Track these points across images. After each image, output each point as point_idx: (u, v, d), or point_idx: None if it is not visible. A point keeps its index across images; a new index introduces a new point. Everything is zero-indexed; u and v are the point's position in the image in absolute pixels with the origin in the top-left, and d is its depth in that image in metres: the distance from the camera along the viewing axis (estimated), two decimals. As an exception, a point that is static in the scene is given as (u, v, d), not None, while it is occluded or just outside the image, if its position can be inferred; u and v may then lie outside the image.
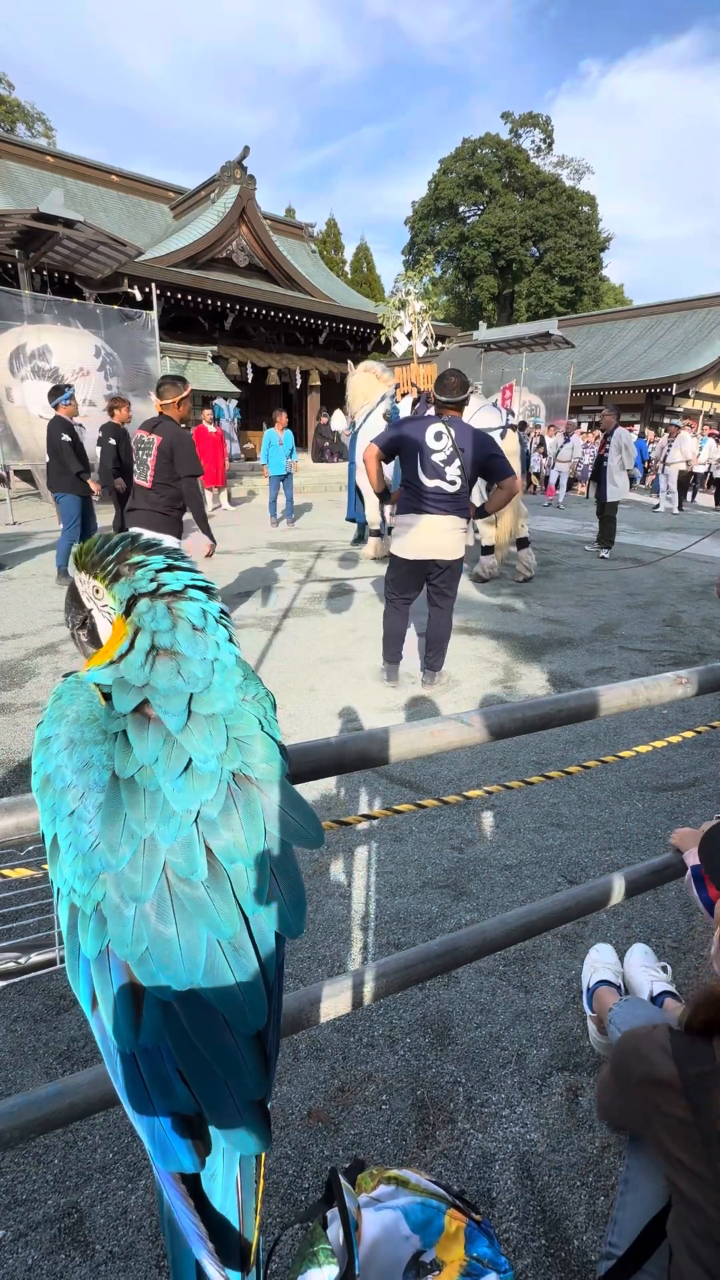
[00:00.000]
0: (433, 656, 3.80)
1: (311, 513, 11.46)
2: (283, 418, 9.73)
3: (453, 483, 3.40)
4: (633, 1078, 0.89)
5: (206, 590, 0.74)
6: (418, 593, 3.74)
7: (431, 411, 6.33)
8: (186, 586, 0.72)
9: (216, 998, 0.58)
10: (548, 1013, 1.67)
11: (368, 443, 3.61)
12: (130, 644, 0.67)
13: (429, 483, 3.40)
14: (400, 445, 3.44)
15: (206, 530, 3.92)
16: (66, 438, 5.88)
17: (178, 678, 0.65)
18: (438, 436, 3.37)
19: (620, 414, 9.66)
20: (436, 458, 3.37)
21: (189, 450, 3.76)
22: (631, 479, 8.35)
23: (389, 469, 6.16)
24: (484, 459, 3.41)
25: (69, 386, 6.17)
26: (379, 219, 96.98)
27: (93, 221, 11.07)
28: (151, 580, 0.70)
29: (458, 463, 3.37)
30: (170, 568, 0.72)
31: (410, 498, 3.47)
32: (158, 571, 0.71)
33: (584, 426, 18.27)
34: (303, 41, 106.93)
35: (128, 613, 0.69)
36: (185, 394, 3.82)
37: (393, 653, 3.85)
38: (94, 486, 6.05)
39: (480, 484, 6.21)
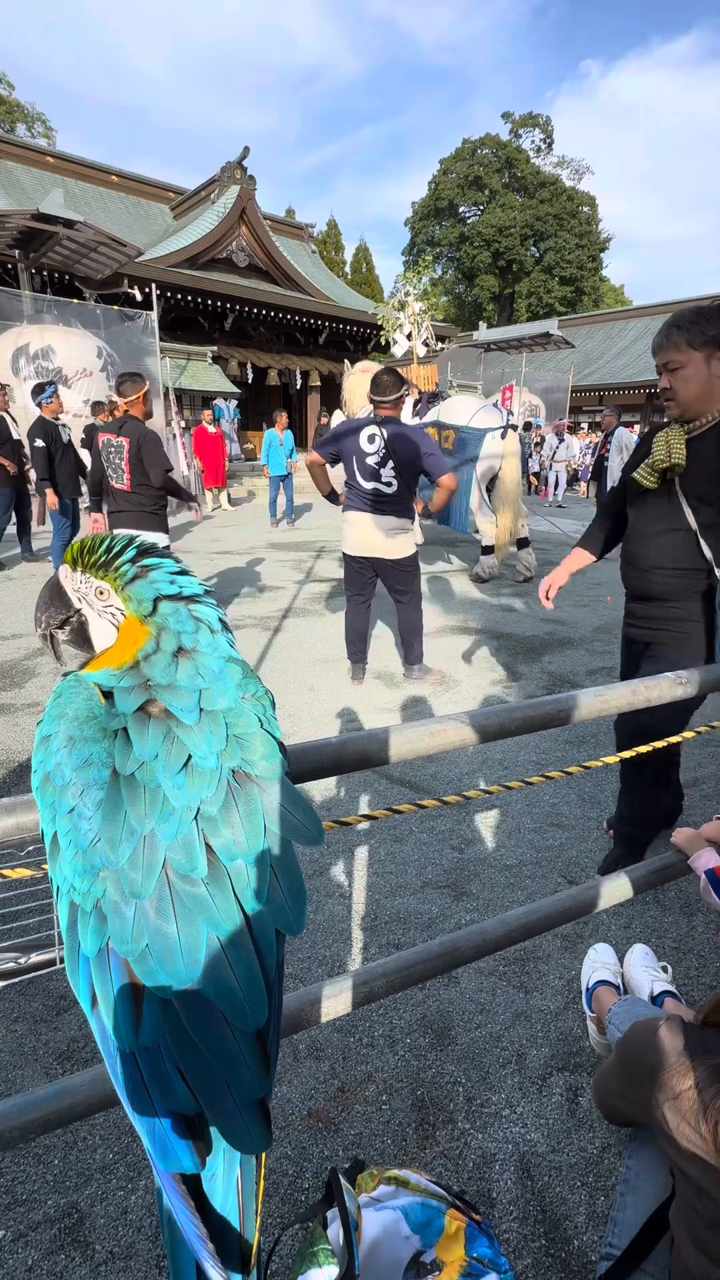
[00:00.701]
0: (406, 651, 3.92)
1: (311, 513, 11.47)
2: (283, 418, 9.74)
3: (389, 484, 3.45)
4: (643, 1066, 0.90)
5: (209, 594, 0.75)
6: (369, 590, 3.82)
7: (434, 413, 6.31)
8: (204, 592, 0.73)
9: (216, 995, 0.58)
10: (548, 1013, 1.67)
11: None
12: (156, 644, 0.67)
13: (366, 484, 3.48)
14: (339, 450, 3.51)
15: (192, 500, 4.21)
16: (40, 443, 5.83)
17: (198, 676, 0.66)
18: (370, 439, 3.42)
19: (620, 414, 9.68)
20: (370, 460, 3.43)
21: (155, 449, 3.80)
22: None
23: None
24: (418, 458, 3.44)
25: (51, 384, 6.15)
26: (379, 220, 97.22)
27: (93, 222, 11.08)
28: (171, 583, 0.71)
29: (391, 464, 3.41)
30: (183, 572, 0.74)
31: (351, 498, 3.57)
32: (174, 575, 0.72)
33: (585, 426, 18.28)
34: (303, 42, 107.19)
35: (149, 614, 0.70)
36: (144, 389, 3.90)
37: (355, 652, 3.90)
38: (51, 499, 5.97)
39: (482, 490, 6.23)
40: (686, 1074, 0.82)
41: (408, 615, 3.78)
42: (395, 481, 3.43)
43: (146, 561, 0.72)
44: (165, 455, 3.87)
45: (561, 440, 13.50)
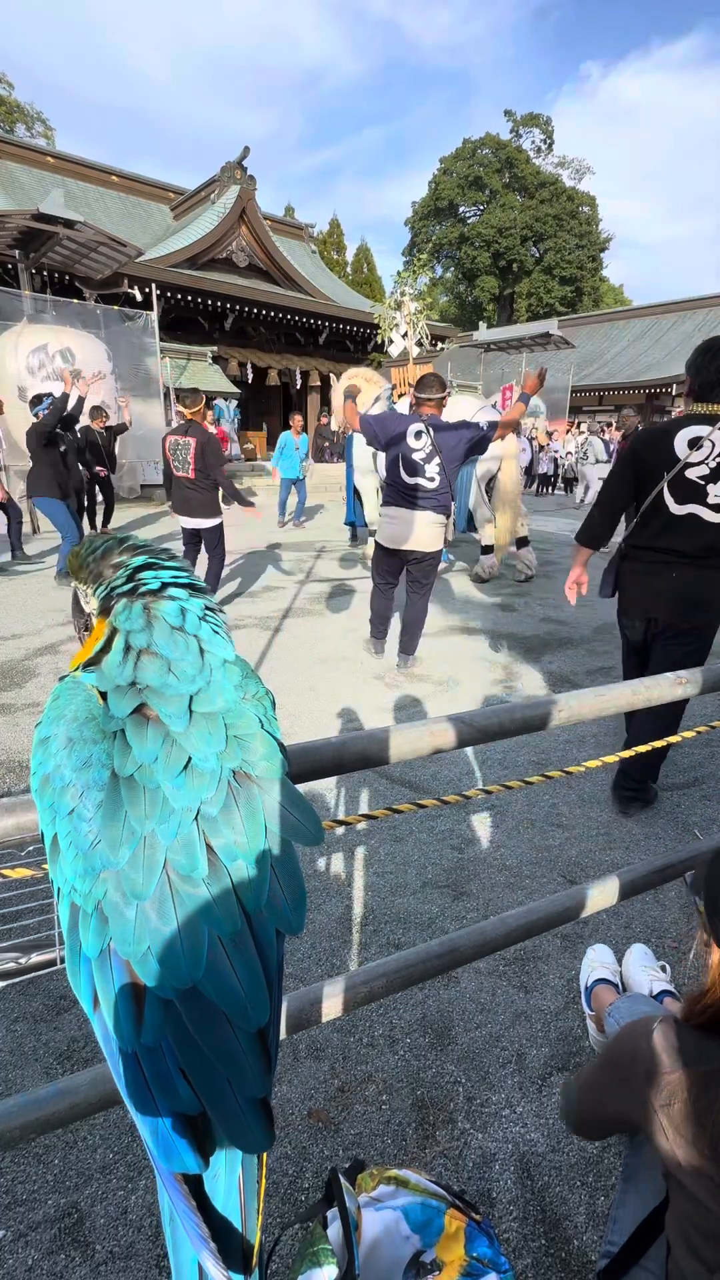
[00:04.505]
0: (406, 640, 4.00)
1: (316, 514, 11.46)
2: (298, 420, 9.86)
3: (432, 479, 3.55)
4: (636, 1069, 0.87)
5: (190, 587, 0.72)
6: (398, 577, 3.97)
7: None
8: (165, 585, 0.70)
9: (218, 995, 0.58)
10: (548, 1013, 1.67)
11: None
12: (106, 644, 0.67)
13: (409, 479, 3.57)
14: (383, 430, 3.59)
15: (242, 500, 5.15)
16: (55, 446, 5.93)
17: (169, 675, 0.64)
18: (418, 435, 3.52)
19: (630, 412, 9.64)
20: (417, 456, 3.52)
21: (217, 449, 4.94)
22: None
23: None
24: (469, 445, 3.54)
25: (49, 395, 6.24)
26: (380, 220, 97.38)
27: (93, 222, 11.06)
28: (128, 580, 0.69)
29: (437, 460, 3.51)
30: (149, 566, 0.71)
31: (393, 494, 3.67)
32: (135, 571, 0.70)
33: (583, 426, 18.29)
34: (305, 43, 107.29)
35: (105, 613, 0.69)
36: (204, 401, 5.01)
37: (379, 630, 4.17)
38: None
39: (481, 490, 6.25)
40: (680, 1079, 0.80)
41: (420, 607, 3.91)
42: (438, 477, 3.55)
43: (115, 560, 0.71)
44: (223, 456, 4.99)
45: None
